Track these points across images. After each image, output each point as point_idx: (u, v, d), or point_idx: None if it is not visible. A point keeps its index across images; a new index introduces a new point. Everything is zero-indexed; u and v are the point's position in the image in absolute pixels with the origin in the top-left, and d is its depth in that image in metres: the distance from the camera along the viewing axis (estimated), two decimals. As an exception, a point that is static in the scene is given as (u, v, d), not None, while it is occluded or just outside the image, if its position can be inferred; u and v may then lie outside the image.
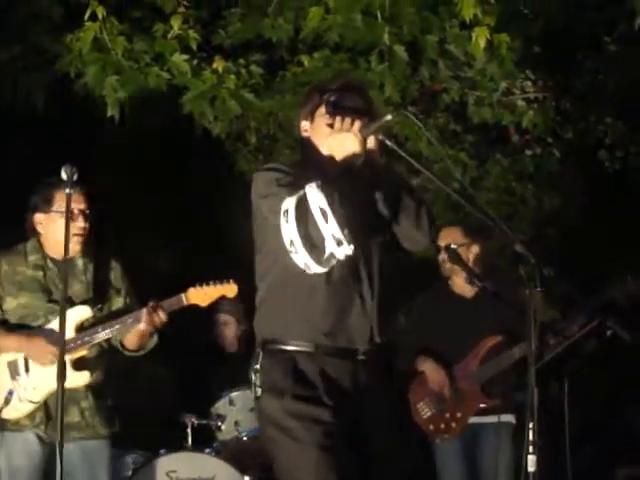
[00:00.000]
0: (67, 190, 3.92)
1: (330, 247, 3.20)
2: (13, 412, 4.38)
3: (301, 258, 3.23)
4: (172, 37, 5.50)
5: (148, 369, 5.65)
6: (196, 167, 6.89)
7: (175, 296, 4.51)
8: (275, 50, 5.94)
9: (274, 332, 3.43)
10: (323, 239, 3.19)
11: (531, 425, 3.37)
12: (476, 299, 5.39)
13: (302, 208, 3.20)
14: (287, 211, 3.23)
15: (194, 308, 4.59)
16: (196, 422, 5.44)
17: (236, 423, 5.47)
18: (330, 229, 3.18)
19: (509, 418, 5.30)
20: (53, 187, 4.46)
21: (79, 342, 4.41)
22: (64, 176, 3.92)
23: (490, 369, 5.27)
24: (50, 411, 4.40)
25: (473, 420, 5.32)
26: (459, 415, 5.32)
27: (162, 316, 4.45)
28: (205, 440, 5.48)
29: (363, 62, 5.65)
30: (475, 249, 5.40)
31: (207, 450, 5.37)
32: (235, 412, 5.49)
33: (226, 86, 5.59)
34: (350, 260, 3.33)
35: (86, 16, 5.29)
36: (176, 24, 5.44)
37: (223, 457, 5.29)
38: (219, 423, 5.47)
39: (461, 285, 5.40)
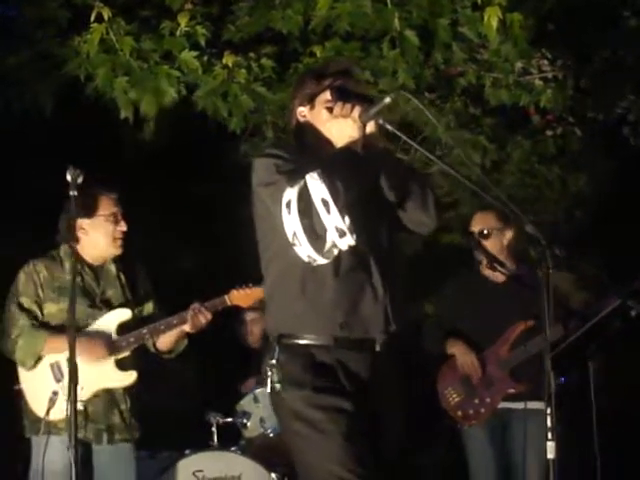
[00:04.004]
0: (71, 192, 3.94)
1: (332, 238, 3.16)
2: (59, 413, 4.42)
3: (304, 250, 3.19)
4: (180, 34, 5.45)
5: (172, 368, 5.62)
6: (213, 165, 6.84)
7: (218, 297, 4.66)
8: (287, 42, 5.87)
9: (288, 327, 3.38)
10: (325, 230, 3.14)
11: (549, 411, 3.31)
12: (507, 284, 5.31)
13: (304, 199, 3.15)
14: (289, 202, 3.17)
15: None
16: (221, 420, 5.41)
17: (261, 420, 5.42)
18: (333, 220, 3.13)
19: (538, 405, 5.18)
20: (96, 193, 4.61)
21: (124, 343, 4.55)
22: (69, 178, 3.95)
23: (520, 355, 5.18)
24: (90, 414, 4.50)
25: (502, 405, 5.24)
26: (488, 400, 5.24)
27: (207, 316, 4.58)
28: (231, 438, 5.46)
29: (375, 49, 5.58)
30: (509, 234, 5.31)
31: (233, 448, 5.35)
32: (260, 409, 5.44)
33: (237, 81, 5.53)
34: (358, 249, 3.28)
35: (92, 18, 5.26)
36: (183, 21, 5.39)
37: (249, 455, 5.26)
38: (244, 421, 5.43)
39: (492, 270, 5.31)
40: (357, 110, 3.29)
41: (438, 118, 5.96)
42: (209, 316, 4.59)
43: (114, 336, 4.54)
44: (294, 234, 3.17)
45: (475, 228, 5.33)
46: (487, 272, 5.35)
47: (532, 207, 6.70)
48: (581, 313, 4.96)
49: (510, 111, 6.25)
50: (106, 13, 5.25)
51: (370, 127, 3.35)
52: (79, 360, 4.37)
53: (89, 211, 4.58)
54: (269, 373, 3.34)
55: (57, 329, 4.50)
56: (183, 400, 5.82)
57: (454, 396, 5.33)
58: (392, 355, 3.43)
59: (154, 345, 4.70)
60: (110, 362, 4.52)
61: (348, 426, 3.22)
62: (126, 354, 4.57)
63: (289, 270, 3.34)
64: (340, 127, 3.30)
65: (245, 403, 5.48)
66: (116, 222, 4.62)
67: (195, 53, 5.46)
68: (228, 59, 5.49)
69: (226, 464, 5.21)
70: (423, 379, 5.46)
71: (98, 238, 4.61)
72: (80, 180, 3.93)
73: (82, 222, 4.58)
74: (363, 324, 3.35)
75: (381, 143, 3.39)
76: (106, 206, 4.61)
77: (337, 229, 3.13)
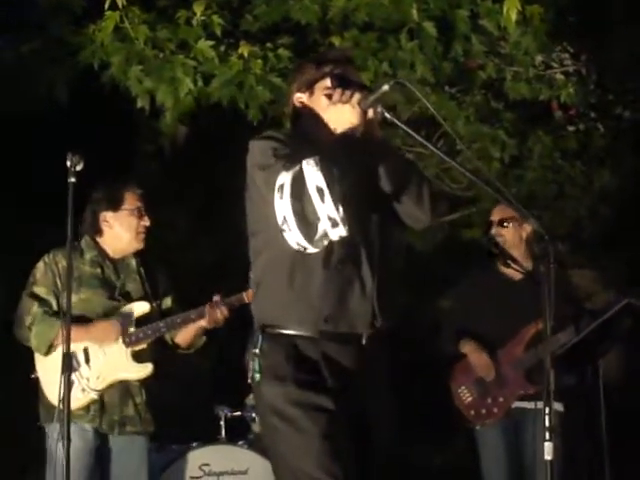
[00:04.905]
0: (71, 179, 3.94)
1: (324, 227, 3.06)
2: (74, 402, 4.36)
3: (293, 236, 3.10)
4: (197, 24, 5.41)
5: (183, 361, 5.58)
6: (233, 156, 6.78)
7: (237, 294, 4.60)
8: (305, 33, 5.81)
9: (273, 317, 3.30)
10: (318, 219, 3.05)
11: (547, 410, 3.24)
12: (524, 282, 5.20)
13: (298, 185, 3.06)
14: (282, 186, 3.09)
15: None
16: (229, 414, 5.36)
17: (271, 415, 5.35)
18: (326, 209, 3.04)
19: (555, 405, 5.09)
20: (122, 186, 4.69)
21: (142, 335, 4.55)
22: (68, 164, 3.94)
23: (535, 355, 5.07)
24: (105, 405, 4.50)
25: (515, 405, 5.16)
26: (501, 400, 5.17)
27: (224, 312, 4.56)
28: (239, 432, 5.40)
29: (393, 41, 5.50)
30: (528, 229, 5.22)
31: (240, 442, 5.29)
32: (270, 403, 5.37)
33: (253, 71, 5.48)
34: (349, 241, 3.20)
35: (106, 5, 5.23)
36: (199, 10, 5.34)
37: (257, 449, 5.18)
38: (253, 415, 5.35)
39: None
40: (356, 97, 3.22)
41: (457, 111, 5.89)
42: (226, 312, 4.57)
43: (131, 329, 4.54)
44: (284, 219, 3.08)
45: (495, 217, 5.26)
46: (503, 269, 5.27)
47: (555, 203, 6.62)
48: (592, 312, 4.86)
49: (532, 106, 6.16)
50: (120, 1, 5.22)
51: (370, 115, 3.28)
52: (92, 345, 4.49)
53: (114, 204, 4.65)
54: (251, 363, 3.27)
55: (76, 319, 4.44)
56: (192, 393, 5.77)
57: (467, 395, 5.26)
58: (381, 349, 3.35)
59: (172, 339, 4.70)
60: (127, 353, 4.53)
61: (327, 425, 3.15)
62: (143, 346, 4.57)
63: (278, 258, 3.27)
64: (339, 113, 3.23)
65: (255, 397, 5.41)
66: (140, 217, 4.66)
67: (211, 43, 5.41)
68: (244, 49, 5.44)
69: (233, 458, 5.17)
70: (439, 378, 5.40)
71: (121, 232, 4.65)
72: (80, 167, 3.93)
73: (106, 215, 4.65)
74: (349, 319, 3.27)
75: (379, 132, 3.32)
76: (131, 200, 4.66)
77: (330, 218, 3.04)
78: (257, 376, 3.25)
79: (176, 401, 5.63)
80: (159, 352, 4.68)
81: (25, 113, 5.48)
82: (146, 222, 4.67)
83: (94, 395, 4.47)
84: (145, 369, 4.55)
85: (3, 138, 5.86)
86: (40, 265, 4.61)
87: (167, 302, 4.76)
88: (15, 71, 5.43)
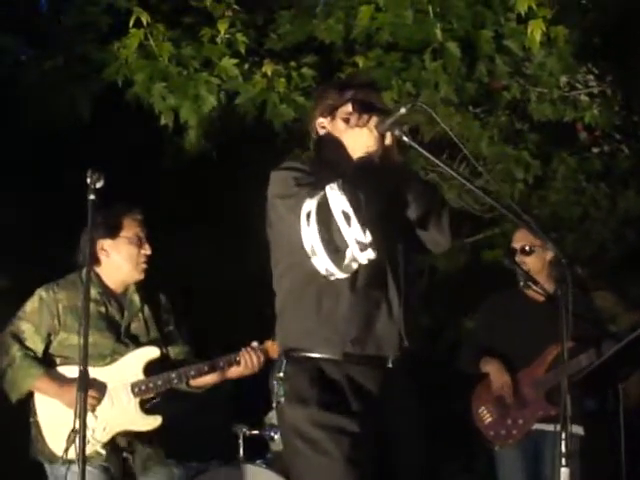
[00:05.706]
0: (90, 196, 3.76)
1: (353, 252, 3.08)
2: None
3: (322, 263, 3.12)
4: (221, 42, 5.43)
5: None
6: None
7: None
8: (331, 52, 5.82)
9: (298, 341, 3.30)
10: (346, 243, 3.07)
11: (564, 435, 3.20)
12: (546, 304, 5.17)
13: (324, 211, 3.08)
14: (309, 214, 3.10)
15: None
16: (248, 433, 5.32)
17: (289, 434, 5.32)
18: (353, 233, 3.06)
19: (574, 429, 5.05)
20: (120, 213, 4.39)
21: (151, 385, 4.29)
22: (88, 182, 3.76)
23: (556, 376, 5.04)
24: (117, 446, 4.26)
25: (536, 427, 5.12)
26: (521, 422, 5.14)
27: (261, 358, 4.33)
28: (257, 451, 5.37)
29: (417, 61, 5.49)
30: (551, 253, 5.19)
31: (259, 461, 5.26)
32: (288, 422, 5.34)
33: (277, 90, 5.49)
34: (375, 264, 3.20)
35: (131, 23, 5.26)
36: (223, 28, 5.37)
37: (275, 469, 5.15)
38: (272, 433, 5.33)
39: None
40: (373, 120, 3.24)
41: (481, 132, 5.87)
42: (262, 359, 4.32)
43: (139, 375, 4.29)
44: (312, 247, 3.10)
45: (517, 244, 5.24)
46: (526, 291, 5.24)
47: (579, 225, 6.57)
48: (614, 335, 4.83)
49: (557, 127, 6.13)
50: (145, 18, 5.25)
51: (388, 139, 3.28)
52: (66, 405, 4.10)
53: (111, 231, 4.31)
54: (275, 386, 3.27)
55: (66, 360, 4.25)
56: (211, 411, 5.75)
57: (487, 416, 5.23)
58: (407, 372, 3.34)
59: (187, 384, 4.40)
60: (135, 404, 4.27)
61: (351, 449, 3.13)
62: (151, 395, 4.31)
63: (304, 283, 3.27)
64: (357, 137, 3.25)
65: (273, 416, 5.39)
66: (140, 245, 4.34)
67: (235, 61, 5.43)
68: (268, 68, 5.46)
69: (251, 477, 5.13)
70: (462, 398, 5.37)
71: (120, 261, 4.34)
72: (100, 184, 3.75)
73: (104, 243, 4.33)
74: (376, 341, 3.27)
75: (398, 156, 3.32)
76: (130, 227, 4.35)
77: (358, 242, 3.06)
78: (282, 400, 3.25)
79: (194, 419, 5.60)
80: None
81: (49, 129, 5.48)
82: (147, 251, 4.35)
83: (99, 448, 4.20)
84: (154, 421, 4.29)
85: (26, 154, 5.88)
86: (34, 300, 4.29)
87: (175, 346, 4.47)
88: (38, 88, 5.44)
